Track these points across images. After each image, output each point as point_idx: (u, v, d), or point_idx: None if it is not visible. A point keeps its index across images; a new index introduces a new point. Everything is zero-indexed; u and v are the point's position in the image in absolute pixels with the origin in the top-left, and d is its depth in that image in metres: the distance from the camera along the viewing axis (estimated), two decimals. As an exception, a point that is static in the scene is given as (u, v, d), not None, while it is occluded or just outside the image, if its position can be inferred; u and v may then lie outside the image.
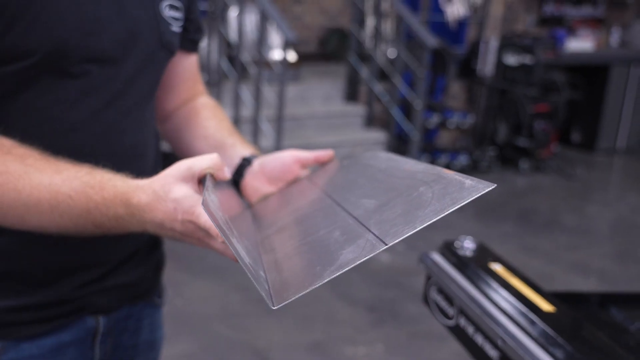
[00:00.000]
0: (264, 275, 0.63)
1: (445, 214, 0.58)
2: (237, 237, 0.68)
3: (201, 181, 0.77)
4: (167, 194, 0.73)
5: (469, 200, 0.58)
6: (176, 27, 0.95)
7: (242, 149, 1.00)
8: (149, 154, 0.96)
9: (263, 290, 0.59)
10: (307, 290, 0.57)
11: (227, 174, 0.81)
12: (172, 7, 0.93)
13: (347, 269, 0.57)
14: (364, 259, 0.57)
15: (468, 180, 0.62)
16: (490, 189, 0.58)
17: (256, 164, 0.97)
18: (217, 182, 0.80)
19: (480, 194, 0.58)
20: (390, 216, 0.63)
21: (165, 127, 1.09)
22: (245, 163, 0.97)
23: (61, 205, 0.74)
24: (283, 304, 0.57)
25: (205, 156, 0.77)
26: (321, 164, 0.98)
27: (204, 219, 0.71)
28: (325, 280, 0.57)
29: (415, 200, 0.63)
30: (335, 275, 0.57)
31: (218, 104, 1.12)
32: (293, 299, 0.57)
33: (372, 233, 0.61)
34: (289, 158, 0.96)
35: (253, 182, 0.96)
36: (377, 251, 0.57)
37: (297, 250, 0.69)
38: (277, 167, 0.96)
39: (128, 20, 0.85)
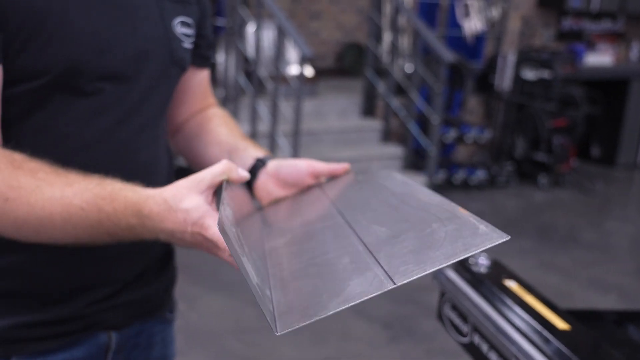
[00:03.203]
0: (269, 294, 0.63)
1: (456, 260, 0.57)
2: (247, 254, 0.67)
3: (216, 191, 0.77)
4: (178, 203, 0.73)
5: (481, 249, 0.57)
6: (187, 44, 0.95)
7: (255, 152, 1.00)
8: (161, 171, 0.97)
9: (268, 313, 0.58)
10: (311, 321, 0.56)
11: (243, 172, 0.81)
12: (183, 24, 0.94)
13: (353, 303, 0.57)
14: (371, 295, 0.57)
15: (482, 226, 0.61)
16: (504, 240, 0.57)
17: (271, 165, 0.97)
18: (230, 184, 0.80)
19: (493, 245, 0.57)
20: (401, 251, 0.62)
21: (176, 139, 1.10)
22: (259, 164, 0.97)
23: (74, 218, 0.75)
24: (286, 331, 0.56)
25: (215, 165, 0.77)
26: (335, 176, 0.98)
27: (212, 231, 0.71)
28: (330, 313, 0.56)
29: (427, 238, 0.63)
30: (340, 309, 0.56)
31: (228, 113, 1.12)
32: (296, 327, 0.56)
33: (382, 267, 0.60)
34: (304, 167, 0.95)
35: (266, 184, 0.96)
36: (385, 290, 0.57)
37: (305, 271, 0.68)
38: (291, 173, 0.96)
39: (140, 38, 0.86)
